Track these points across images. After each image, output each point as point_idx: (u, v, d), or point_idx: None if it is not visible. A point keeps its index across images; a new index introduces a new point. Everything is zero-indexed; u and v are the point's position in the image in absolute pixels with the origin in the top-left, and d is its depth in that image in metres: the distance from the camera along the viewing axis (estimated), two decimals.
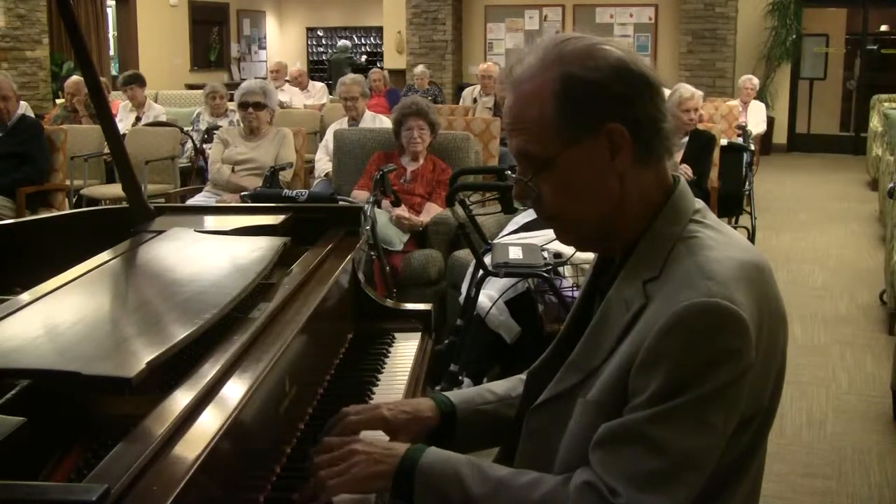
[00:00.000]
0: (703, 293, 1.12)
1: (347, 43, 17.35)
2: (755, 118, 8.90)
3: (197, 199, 5.01)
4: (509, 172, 3.26)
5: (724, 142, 5.95)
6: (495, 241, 3.57)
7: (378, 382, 1.82)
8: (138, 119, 7.77)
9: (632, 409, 1.14)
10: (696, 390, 1.10)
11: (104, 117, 2.09)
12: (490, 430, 1.49)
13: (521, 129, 1.23)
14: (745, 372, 1.12)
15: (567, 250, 3.37)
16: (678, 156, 5.14)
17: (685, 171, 5.07)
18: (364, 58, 17.83)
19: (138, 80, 7.98)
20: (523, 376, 1.53)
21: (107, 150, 5.80)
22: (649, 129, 1.21)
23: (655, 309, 1.15)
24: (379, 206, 3.99)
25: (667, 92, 6.19)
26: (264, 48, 18.43)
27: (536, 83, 1.20)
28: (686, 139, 5.39)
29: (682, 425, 1.10)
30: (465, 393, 1.53)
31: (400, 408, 1.45)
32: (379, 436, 1.43)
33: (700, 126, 5.65)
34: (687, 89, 5.49)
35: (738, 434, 1.17)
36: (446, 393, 1.52)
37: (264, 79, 10.32)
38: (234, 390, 1.26)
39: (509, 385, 1.53)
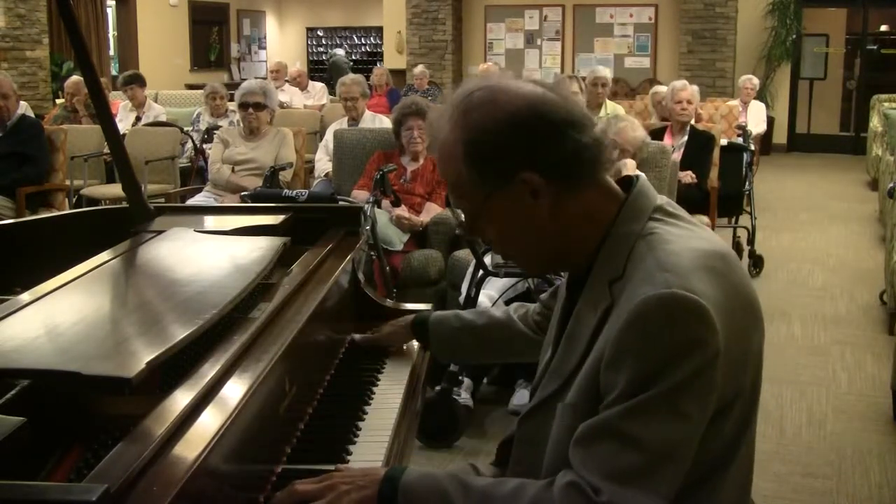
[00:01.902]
0: (659, 285, 1.13)
1: (341, 51, 17.35)
2: (755, 118, 8.89)
3: (197, 200, 5.01)
4: None
5: (724, 142, 5.95)
6: None
7: (378, 382, 1.82)
8: (138, 119, 7.76)
9: (605, 406, 1.15)
10: (665, 382, 1.11)
11: (104, 117, 2.09)
12: (458, 336, 1.76)
13: (449, 186, 1.31)
14: (713, 359, 1.13)
15: None
16: (677, 155, 5.14)
17: (688, 176, 5.07)
18: (353, 58, 17.83)
19: (138, 80, 7.98)
20: (512, 307, 1.76)
21: (107, 150, 5.80)
22: (564, 164, 1.23)
23: (620, 308, 1.17)
24: (379, 206, 3.99)
25: (663, 89, 6.21)
26: (264, 48, 18.42)
27: (447, 147, 1.26)
28: (685, 138, 5.39)
29: (655, 418, 1.11)
30: (441, 314, 1.81)
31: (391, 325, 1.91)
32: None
33: (700, 126, 5.65)
34: (680, 82, 5.59)
35: (719, 423, 1.18)
36: (456, 311, 1.81)
37: (264, 79, 10.32)
38: (234, 390, 1.26)
39: (506, 316, 1.74)
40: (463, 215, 1.33)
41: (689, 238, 1.22)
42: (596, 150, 1.25)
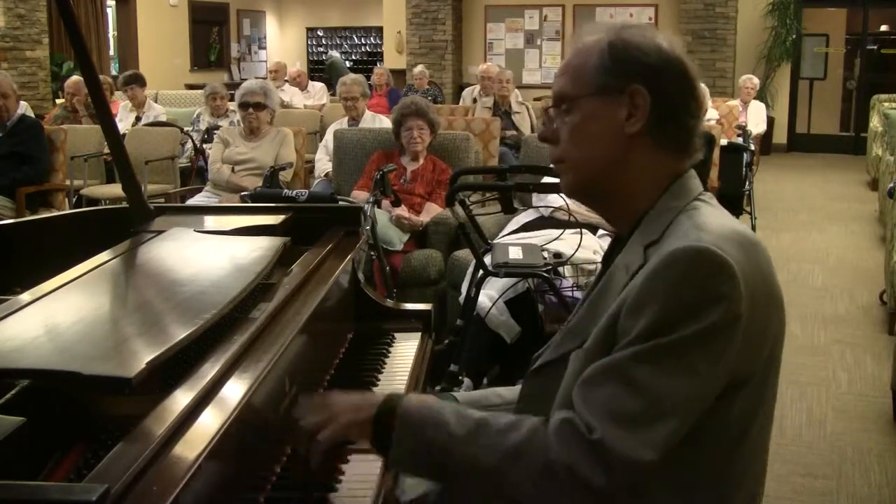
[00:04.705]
0: (693, 240, 1.16)
1: (336, 53, 17.36)
2: (755, 118, 8.90)
3: (197, 200, 5.01)
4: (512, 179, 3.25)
5: (724, 142, 5.95)
6: (495, 241, 3.57)
7: (378, 382, 1.82)
8: (138, 119, 7.76)
9: (619, 349, 1.16)
10: (681, 331, 1.11)
11: (104, 117, 2.09)
12: None
13: (564, 74, 1.35)
14: (733, 322, 1.13)
15: (567, 250, 3.37)
16: None
17: None
18: (354, 58, 17.83)
19: (138, 81, 7.98)
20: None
21: (107, 150, 5.80)
22: (672, 111, 1.28)
23: (649, 264, 1.19)
24: (379, 206, 3.99)
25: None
26: (264, 48, 18.42)
27: (592, 40, 1.32)
28: None
29: (663, 366, 1.12)
30: (471, 394, 1.56)
31: None
32: None
33: None
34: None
35: (728, 399, 1.18)
36: (454, 393, 1.54)
37: (264, 79, 10.32)
38: (234, 390, 1.26)
39: (516, 391, 1.54)
40: (551, 105, 1.36)
41: (729, 220, 1.26)
42: (698, 133, 1.32)
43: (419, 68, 10.82)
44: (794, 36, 11.90)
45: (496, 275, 3.17)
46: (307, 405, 1.31)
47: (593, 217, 3.93)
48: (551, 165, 1.38)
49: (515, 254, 3.19)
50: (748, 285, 1.15)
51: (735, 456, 1.22)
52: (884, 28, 13.33)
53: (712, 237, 1.16)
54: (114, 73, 13.73)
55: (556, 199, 3.80)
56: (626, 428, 1.11)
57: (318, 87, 10.73)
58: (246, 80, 7.98)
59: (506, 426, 1.20)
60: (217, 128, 6.12)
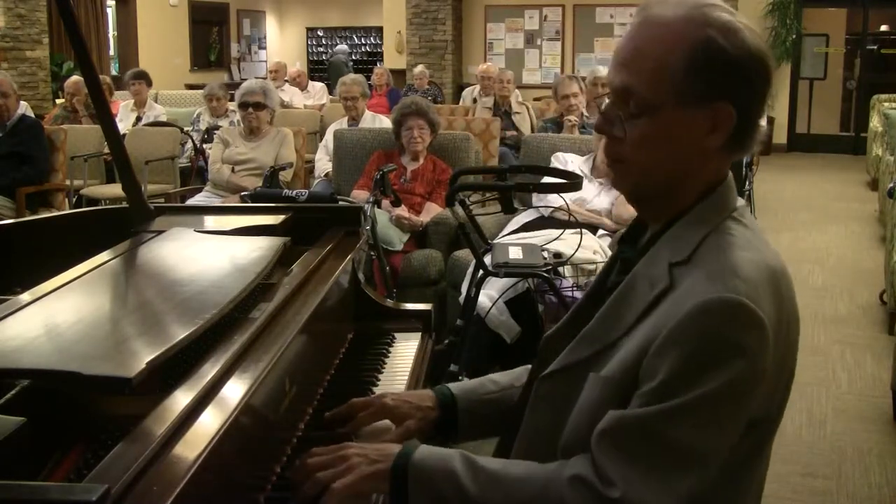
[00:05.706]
0: (730, 289, 1.11)
1: (345, 47, 17.38)
2: None
3: (197, 199, 5.01)
4: (515, 180, 3.25)
5: None
6: (495, 241, 3.57)
7: (378, 382, 1.82)
8: (139, 119, 7.77)
9: (641, 394, 1.13)
10: (705, 385, 1.09)
11: (104, 117, 2.08)
12: (493, 418, 1.50)
13: (635, 67, 1.20)
14: (755, 377, 1.11)
15: (567, 250, 3.37)
16: None
17: None
18: (354, 58, 17.85)
19: (145, 78, 8.03)
20: (528, 367, 1.52)
21: (107, 150, 5.81)
22: (752, 122, 1.22)
23: (680, 295, 1.15)
24: (379, 206, 3.99)
25: None
26: (264, 48, 18.43)
27: (674, 30, 1.18)
28: None
29: (688, 422, 1.10)
30: (466, 384, 1.55)
31: (403, 398, 1.52)
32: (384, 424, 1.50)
33: None
34: None
35: (741, 437, 1.16)
36: (449, 385, 1.54)
37: (264, 79, 10.33)
38: (234, 390, 1.26)
39: (513, 375, 1.54)
40: (612, 95, 1.23)
41: (761, 251, 1.21)
42: (761, 128, 1.26)
43: (419, 68, 10.82)
44: (794, 36, 11.90)
45: (496, 275, 3.17)
46: (322, 455, 1.30)
47: (593, 217, 3.94)
48: (602, 156, 1.31)
49: (515, 254, 3.19)
50: (777, 334, 1.14)
51: (741, 485, 1.22)
52: (884, 28, 13.33)
53: (749, 287, 1.12)
54: (114, 73, 13.75)
55: (556, 199, 3.80)
56: (649, 483, 1.09)
57: (318, 87, 10.74)
58: (246, 80, 7.98)
59: (519, 479, 1.18)
60: (217, 128, 6.12)
